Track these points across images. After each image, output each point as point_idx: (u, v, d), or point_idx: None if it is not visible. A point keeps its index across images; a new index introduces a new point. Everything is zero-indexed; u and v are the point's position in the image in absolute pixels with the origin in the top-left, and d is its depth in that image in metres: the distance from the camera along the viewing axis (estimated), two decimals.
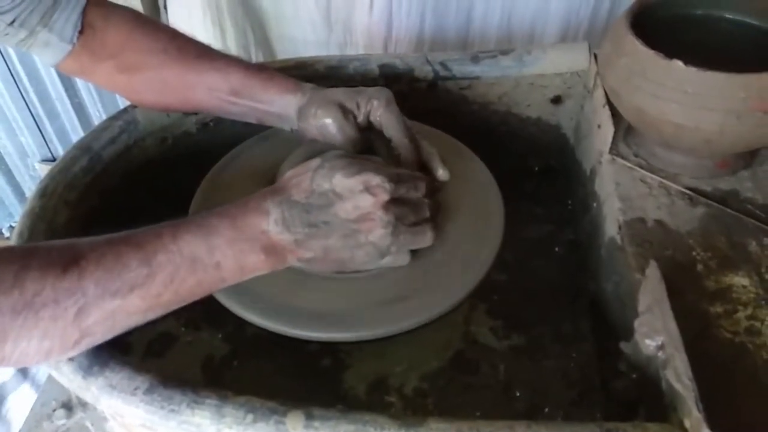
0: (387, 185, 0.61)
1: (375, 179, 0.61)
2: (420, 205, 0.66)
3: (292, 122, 0.77)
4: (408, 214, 0.65)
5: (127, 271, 0.54)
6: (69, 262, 0.53)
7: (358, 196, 0.61)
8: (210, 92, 0.78)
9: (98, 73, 0.80)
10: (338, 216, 0.61)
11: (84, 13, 0.75)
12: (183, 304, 0.59)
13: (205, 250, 0.57)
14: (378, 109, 0.73)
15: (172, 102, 0.82)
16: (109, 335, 0.56)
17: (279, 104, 0.77)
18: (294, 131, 0.79)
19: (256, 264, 0.60)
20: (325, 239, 0.62)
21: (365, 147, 0.74)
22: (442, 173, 0.74)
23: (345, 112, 0.73)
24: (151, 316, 0.57)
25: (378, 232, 0.62)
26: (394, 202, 0.63)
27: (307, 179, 0.62)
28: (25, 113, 1.67)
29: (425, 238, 0.67)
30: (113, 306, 0.54)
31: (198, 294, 0.59)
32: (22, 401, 1.55)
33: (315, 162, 0.63)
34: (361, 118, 0.74)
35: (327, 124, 0.73)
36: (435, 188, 0.73)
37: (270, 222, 0.60)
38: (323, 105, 0.74)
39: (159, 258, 0.55)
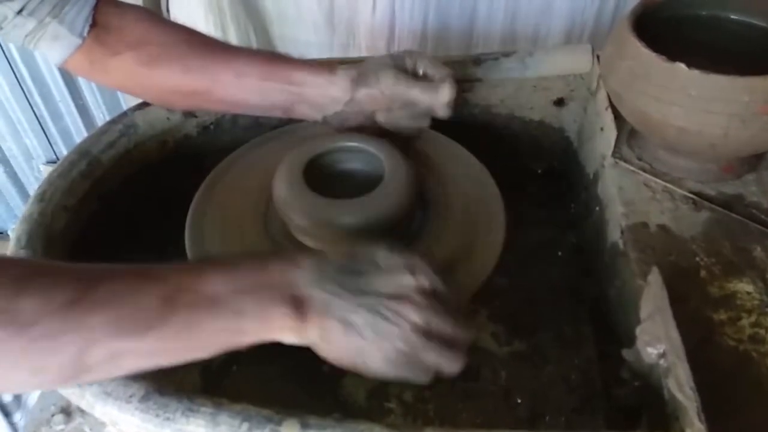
0: (431, 274, 0.56)
1: (420, 263, 0.56)
2: (455, 338, 0.57)
3: (332, 103, 0.76)
4: (446, 330, 0.56)
5: (142, 309, 0.50)
6: (79, 292, 0.48)
7: (399, 273, 0.56)
8: (237, 79, 0.76)
9: (111, 68, 0.77)
10: (372, 285, 0.55)
11: (96, 9, 0.74)
12: (194, 356, 0.54)
13: (229, 291, 0.52)
14: (424, 59, 0.77)
15: (194, 94, 0.79)
16: (111, 375, 0.54)
17: (312, 83, 0.76)
18: (327, 119, 0.78)
19: (279, 318, 0.53)
20: (352, 308, 0.54)
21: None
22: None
23: (402, 69, 0.75)
24: (154, 363, 0.53)
25: (403, 329, 0.54)
26: (437, 302, 0.56)
27: (348, 251, 0.57)
28: (29, 115, 1.68)
29: (453, 364, 0.57)
30: (121, 346, 0.50)
31: (212, 345, 0.53)
32: None
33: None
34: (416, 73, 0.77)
35: (393, 82, 0.74)
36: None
37: (302, 274, 0.55)
38: (381, 69, 0.75)
39: (176, 297, 0.51)
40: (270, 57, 0.77)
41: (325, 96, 0.75)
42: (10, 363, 0.47)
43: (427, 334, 0.55)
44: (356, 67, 0.76)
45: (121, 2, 0.78)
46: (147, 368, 0.53)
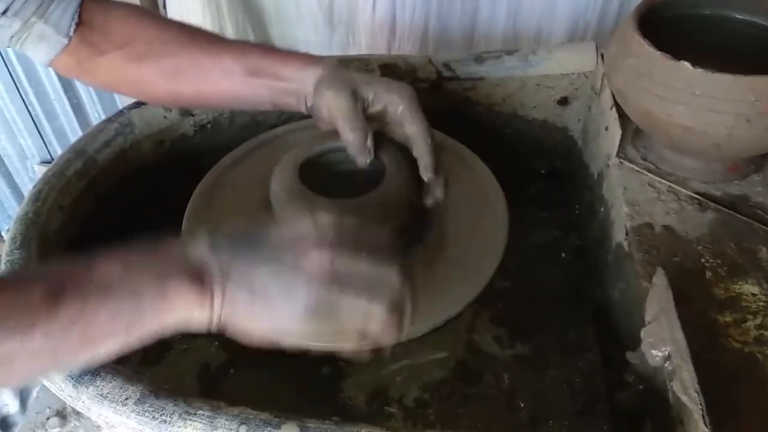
0: (336, 224, 0.52)
1: (324, 216, 0.52)
2: (375, 276, 0.52)
3: (309, 98, 0.74)
4: (353, 267, 0.51)
5: (24, 306, 0.46)
6: None
7: (295, 222, 0.53)
8: (225, 75, 0.75)
9: (99, 67, 0.76)
10: (268, 242, 0.52)
11: (81, 7, 0.72)
12: (90, 353, 0.50)
13: (120, 272, 0.49)
14: (399, 104, 0.70)
15: (183, 91, 0.77)
16: (7, 382, 0.52)
17: (299, 78, 0.74)
18: (309, 110, 0.75)
19: (180, 293, 0.49)
20: (251, 269, 0.50)
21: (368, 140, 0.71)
22: (438, 195, 0.71)
23: (356, 98, 0.70)
24: (49, 363, 0.50)
25: (312, 260, 0.50)
26: (345, 246, 0.51)
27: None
28: (24, 115, 1.66)
29: (379, 310, 0.51)
30: (9, 348, 0.46)
31: (109, 337, 0.49)
32: None
33: None
34: (373, 109, 0.71)
35: (333, 106, 0.70)
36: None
37: (194, 244, 0.51)
38: (336, 85, 0.71)
39: (66, 286, 0.47)
40: (258, 51, 0.76)
41: (306, 89, 0.74)
42: None
43: (337, 277, 0.50)
44: (330, 69, 0.73)
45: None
46: (45, 370, 0.51)
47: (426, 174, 0.70)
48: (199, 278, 0.49)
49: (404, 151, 0.74)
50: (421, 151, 0.71)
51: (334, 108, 0.70)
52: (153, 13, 0.79)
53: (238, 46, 0.77)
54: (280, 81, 0.74)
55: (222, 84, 0.75)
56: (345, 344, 0.54)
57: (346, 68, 0.74)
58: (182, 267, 0.50)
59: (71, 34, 0.72)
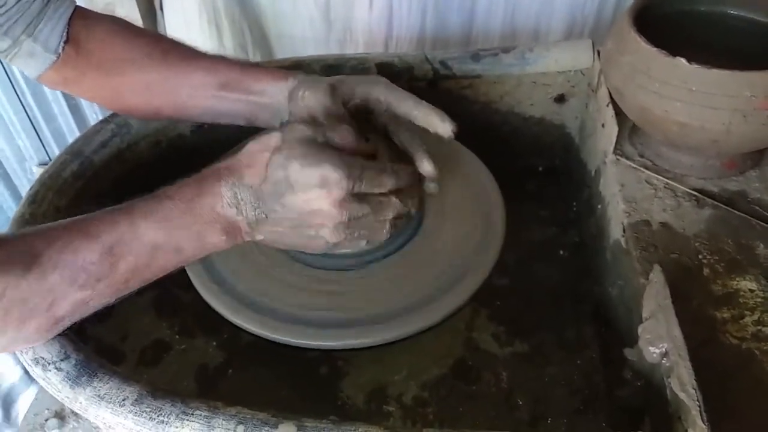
0: (344, 182, 0.59)
1: (332, 175, 0.58)
2: (384, 203, 0.64)
3: (284, 111, 0.75)
4: (367, 213, 0.62)
5: (89, 264, 0.56)
6: (29, 262, 0.54)
7: (311, 191, 0.59)
8: (197, 90, 0.76)
9: (81, 85, 0.79)
10: (288, 207, 0.60)
11: (70, 23, 0.73)
12: (150, 281, 0.61)
13: (164, 236, 0.58)
14: (381, 93, 0.72)
15: (159, 106, 0.80)
16: (85, 315, 0.59)
17: (271, 92, 0.75)
18: (284, 126, 0.76)
19: (215, 242, 0.61)
20: (275, 226, 0.61)
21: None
22: (428, 168, 0.71)
23: (334, 94, 0.71)
24: (122, 295, 0.60)
25: (327, 231, 0.61)
26: (353, 197, 0.60)
27: (262, 162, 0.60)
28: (22, 116, 1.66)
29: (380, 236, 0.65)
30: (83, 296, 0.56)
31: (164, 272, 0.61)
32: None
33: (274, 139, 0.61)
34: (354, 102, 0.72)
35: (313, 106, 0.71)
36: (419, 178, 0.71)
37: (224, 204, 0.59)
38: (312, 86, 0.72)
39: (118, 249, 0.57)
40: (231, 66, 0.77)
41: (280, 103, 0.75)
42: None
43: (350, 231, 0.62)
44: (303, 76, 0.75)
45: (93, 15, 0.77)
46: (113, 302, 0.60)
47: (445, 130, 0.70)
48: (232, 231, 0.61)
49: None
50: (425, 112, 0.70)
51: (313, 107, 0.71)
52: (132, 28, 0.79)
53: (212, 61, 0.78)
54: (252, 95, 0.76)
55: (194, 100, 0.77)
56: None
57: (316, 75, 0.75)
58: (218, 226, 0.60)
59: (60, 51, 0.73)
